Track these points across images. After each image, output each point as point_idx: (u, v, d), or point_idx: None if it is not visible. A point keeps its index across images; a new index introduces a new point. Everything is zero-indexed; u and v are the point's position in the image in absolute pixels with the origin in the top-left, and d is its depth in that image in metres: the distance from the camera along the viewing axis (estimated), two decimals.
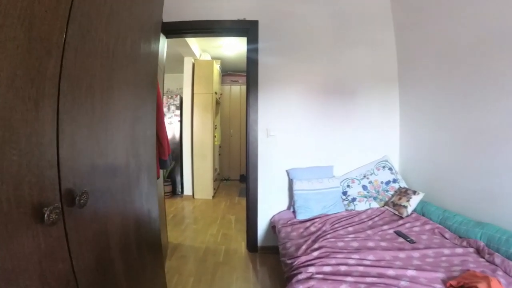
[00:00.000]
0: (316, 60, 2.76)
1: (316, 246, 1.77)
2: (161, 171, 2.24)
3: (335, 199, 2.57)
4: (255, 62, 2.70)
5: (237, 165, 6.38)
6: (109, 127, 0.96)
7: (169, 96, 4.93)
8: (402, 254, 1.63)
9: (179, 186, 4.94)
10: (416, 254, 1.63)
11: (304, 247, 1.81)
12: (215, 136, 4.95)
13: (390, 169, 2.83)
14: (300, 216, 2.42)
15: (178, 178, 4.94)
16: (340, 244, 1.80)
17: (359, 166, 2.84)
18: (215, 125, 4.96)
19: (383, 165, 2.85)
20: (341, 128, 2.81)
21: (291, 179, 2.63)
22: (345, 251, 1.69)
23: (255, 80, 2.70)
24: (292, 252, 1.82)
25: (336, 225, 2.19)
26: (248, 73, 2.75)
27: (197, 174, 4.74)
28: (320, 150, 2.79)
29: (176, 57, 4.79)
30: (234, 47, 4.75)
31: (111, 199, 0.98)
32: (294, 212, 2.53)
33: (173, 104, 4.90)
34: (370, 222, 2.25)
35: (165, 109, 4.89)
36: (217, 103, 5.32)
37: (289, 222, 2.36)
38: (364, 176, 2.80)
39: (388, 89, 2.83)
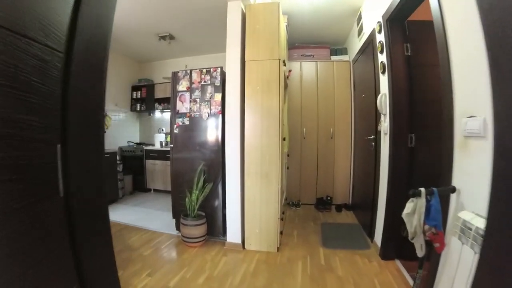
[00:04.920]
0: None
1: None
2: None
3: None
4: None
5: (312, 183, 4.14)
6: None
7: (203, 71, 2.94)
8: None
9: (220, 225, 2.90)
10: None
11: None
12: (284, 139, 2.81)
13: None
14: None
15: (218, 211, 2.90)
16: None
17: None
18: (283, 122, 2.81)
19: None
20: None
21: None
22: None
23: None
24: None
25: None
26: None
27: (251, 208, 2.65)
28: None
29: (217, 16, 2.86)
30: None
31: None
32: None
33: (209, 84, 2.91)
34: None
35: (196, 93, 2.93)
36: (285, 86, 3.18)
37: None
38: None
39: None
